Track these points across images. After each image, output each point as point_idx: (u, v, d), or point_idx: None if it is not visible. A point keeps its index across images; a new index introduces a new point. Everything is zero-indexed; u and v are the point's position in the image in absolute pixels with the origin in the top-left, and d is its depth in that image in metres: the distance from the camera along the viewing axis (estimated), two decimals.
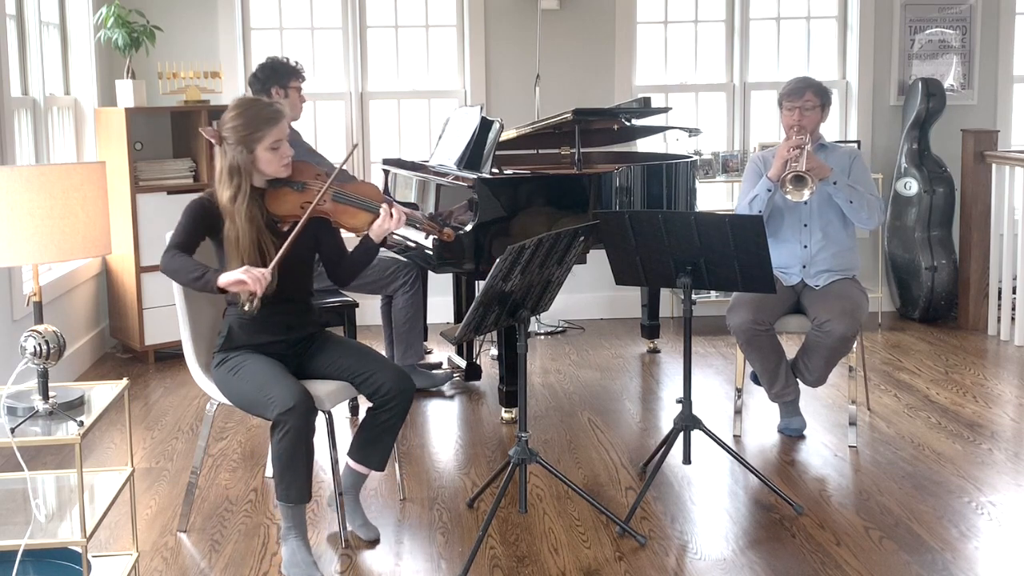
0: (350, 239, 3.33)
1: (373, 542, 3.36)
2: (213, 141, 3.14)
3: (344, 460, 3.36)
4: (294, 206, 3.21)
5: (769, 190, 4.05)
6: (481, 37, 6.30)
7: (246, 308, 3.05)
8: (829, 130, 6.44)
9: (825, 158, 4.16)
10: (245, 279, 2.99)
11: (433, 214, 4.81)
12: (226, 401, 3.26)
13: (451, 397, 4.92)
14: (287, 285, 3.17)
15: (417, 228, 3.48)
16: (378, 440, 3.28)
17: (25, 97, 5.04)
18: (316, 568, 3.06)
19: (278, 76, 4.51)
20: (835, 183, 4.04)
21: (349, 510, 3.36)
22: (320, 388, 3.19)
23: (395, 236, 4.74)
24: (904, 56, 6.56)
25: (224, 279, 3.02)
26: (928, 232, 6.26)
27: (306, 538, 3.13)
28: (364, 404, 3.36)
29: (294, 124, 4.60)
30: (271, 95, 4.50)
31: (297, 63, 4.58)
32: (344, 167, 3.37)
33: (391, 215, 3.27)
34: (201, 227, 3.14)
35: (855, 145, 6.23)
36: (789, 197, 3.91)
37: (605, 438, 4.32)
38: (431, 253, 4.42)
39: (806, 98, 4.11)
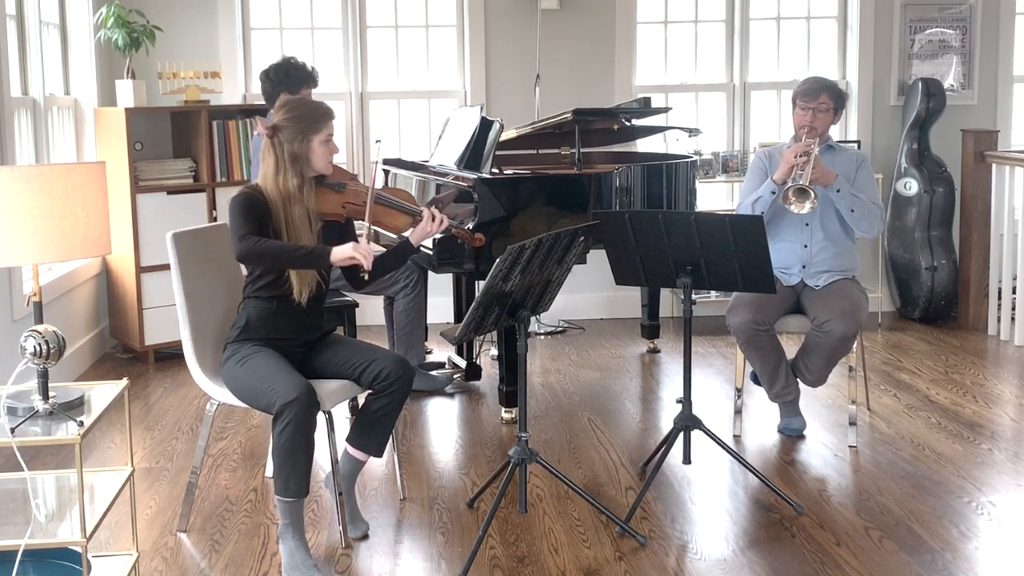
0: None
1: (363, 537, 3.37)
2: (265, 133, 3.20)
3: (342, 447, 3.37)
4: (335, 205, 3.31)
5: (773, 192, 4.04)
6: (481, 37, 6.31)
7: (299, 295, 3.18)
8: (829, 130, 6.43)
9: (832, 160, 4.15)
10: (356, 255, 3.10)
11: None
12: (227, 400, 3.26)
13: (451, 397, 4.92)
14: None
15: (452, 233, 3.54)
16: (377, 425, 3.30)
17: (25, 97, 5.04)
18: (316, 569, 3.06)
19: (290, 81, 4.47)
20: (838, 191, 4.04)
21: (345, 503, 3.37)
22: (321, 388, 3.20)
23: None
24: (904, 56, 6.56)
25: (337, 255, 3.12)
26: (928, 232, 6.26)
27: (304, 536, 3.13)
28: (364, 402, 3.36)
29: None
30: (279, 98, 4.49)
31: (313, 68, 4.55)
32: (373, 168, 3.48)
33: (434, 218, 3.36)
34: (254, 217, 3.15)
35: (855, 145, 6.23)
36: (792, 209, 3.90)
37: (605, 438, 4.32)
38: (431, 253, 4.42)
39: (821, 100, 4.10)
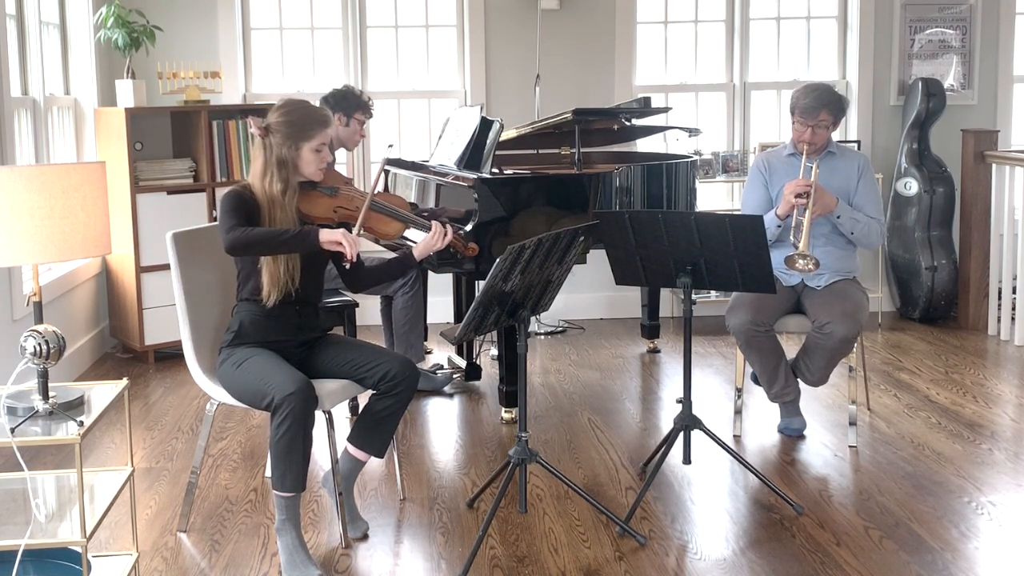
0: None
1: (363, 537, 3.37)
2: (258, 133, 3.19)
3: (343, 445, 3.37)
4: (327, 209, 3.30)
5: (779, 226, 4.04)
6: (481, 37, 6.30)
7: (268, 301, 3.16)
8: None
9: (834, 165, 4.15)
10: (344, 242, 3.08)
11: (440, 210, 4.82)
12: (226, 400, 3.26)
13: (451, 397, 4.92)
14: (304, 286, 3.23)
15: (450, 243, 3.54)
16: (380, 426, 3.30)
17: (25, 97, 5.04)
18: (314, 565, 3.07)
19: (348, 104, 4.70)
20: (839, 217, 4.04)
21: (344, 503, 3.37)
22: (321, 387, 3.19)
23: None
24: (904, 56, 6.56)
25: (325, 236, 3.08)
26: (928, 232, 6.26)
27: (300, 532, 3.13)
28: (364, 403, 3.36)
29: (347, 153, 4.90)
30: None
31: (370, 99, 4.81)
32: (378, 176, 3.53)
33: (439, 233, 3.35)
34: (243, 213, 3.15)
35: (855, 145, 6.23)
36: (795, 268, 3.88)
37: (605, 438, 4.32)
38: (431, 254, 4.41)
39: (820, 118, 4.06)
